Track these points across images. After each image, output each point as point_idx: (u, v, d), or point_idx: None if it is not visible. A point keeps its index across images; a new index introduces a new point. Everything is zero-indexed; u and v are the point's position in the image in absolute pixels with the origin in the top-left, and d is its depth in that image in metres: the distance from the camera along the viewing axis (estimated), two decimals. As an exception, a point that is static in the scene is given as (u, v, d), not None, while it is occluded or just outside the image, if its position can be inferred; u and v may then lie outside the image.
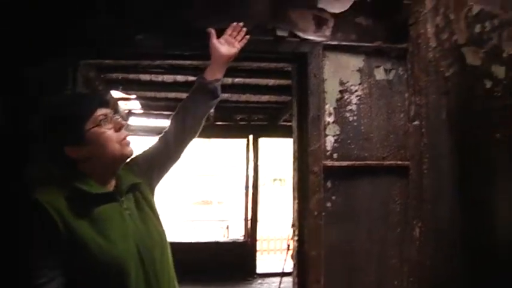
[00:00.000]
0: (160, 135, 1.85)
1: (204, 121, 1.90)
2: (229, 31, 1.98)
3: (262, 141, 7.82)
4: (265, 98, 6.36)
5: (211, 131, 7.51)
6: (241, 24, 2.01)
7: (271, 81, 5.67)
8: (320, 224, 2.67)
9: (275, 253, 11.57)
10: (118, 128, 1.54)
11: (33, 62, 2.49)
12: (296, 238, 2.81)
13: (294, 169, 2.85)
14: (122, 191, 1.57)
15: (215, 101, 1.90)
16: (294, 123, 2.89)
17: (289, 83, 5.59)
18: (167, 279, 1.57)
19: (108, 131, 1.52)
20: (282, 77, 5.30)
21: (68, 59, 2.60)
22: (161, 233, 1.63)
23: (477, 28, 2.27)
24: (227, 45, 1.94)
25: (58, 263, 1.38)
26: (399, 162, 2.81)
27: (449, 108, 2.52)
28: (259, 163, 7.74)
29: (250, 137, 7.65)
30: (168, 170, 1.86)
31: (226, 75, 5.35)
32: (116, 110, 1.73)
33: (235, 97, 6.36)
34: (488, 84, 2.18)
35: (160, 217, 1.70)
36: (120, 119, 1.57)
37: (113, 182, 1.58)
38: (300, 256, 2.77)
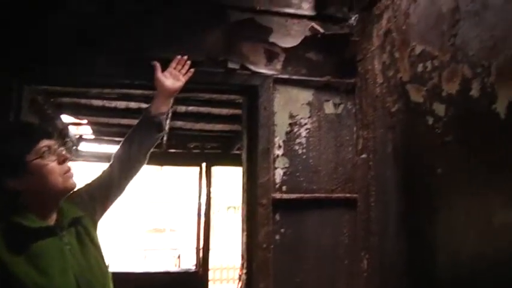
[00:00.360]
0: (104, 168, 1.82)
1: (149, 154, 1.89)
2: (173, 64, 1.99)
3: (216, 168, 7.77)
4: (219, 126, 6.35)
5: (164, 159, 7.41)
6: (185, 57, 2.02)
7: (224, 111, 5.68)
8: (269, 257, 2.66)
9: (228, 282, 11.43)
10: (62, 161, 1.50)
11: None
12: (245, 271, 2.78)
13: (243, 201, 2.84)
14: (63, 225, 1.53)
15: (160, 134, 1.90)
16: (243, 155, 2.90)
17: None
18: None
19: (51, 163, 1.48)
20: (236, 106, 5.33)
21: (12, 82, 2.52)
22: (103, 269, 1.58)
23: (419, 67, 2.36)
24: (172, 78, 1.95)
25: None
26: (347, 195, 2.85)
27: (394, 142, 2.59)
28: (212, 191, 7.68)
29: (203, 165, 7.59)
30: (112, 202, 1.83)
31: (180, 103, 5.37)
32: (62, 141, 1.67)
33: (189, 125, 6.32)
34: (430, 120, 2.27)
35: (103, 252, 1.66)
36: (64, 151, 1.53)
37: (54, 216, 1.54)
38: (249, 289, 2.74)
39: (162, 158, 7.39)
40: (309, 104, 2.86)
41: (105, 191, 1.79)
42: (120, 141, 5.97)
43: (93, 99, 5.14)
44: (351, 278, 2.85)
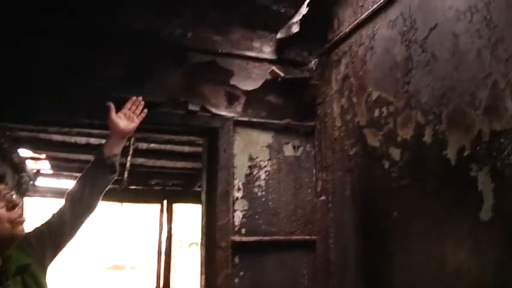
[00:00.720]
0: (53, 212, 1.77)
1: (102, 196, 1.86)
2: (128, 105, 1.99)
3: (178, 205, 7.67)
4: (180, 164, 6.31)
5: (124, 195, 7.26)
6: (140, 98, 2.02)
7: (186, 148, 5.66)
8: (228, 301, 2.62)
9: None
10: (11, 207, 1.45)
11: None
12: (203, 315, 2.72)
13: (202, 244, 2.81)
14: (9, 273, 1.47)
15: (113, 176, 1.88)
16: (203, 197, 2.88)
17: (204, 150, 5.64)
18: None
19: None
20: (198, 145, 5.32)
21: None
22: None
23: (376, 112, 2.43)
24: (126, 119, 1.95)
25: None
26: (306, 237, 2.86)
27: (352, 185, 2.63)
28: (173, 228, 7.56)
29: (165, 202, 7.49)
30: (63, 246, 1.78)
31: (141, 140, 5.30)
32: (14, 183, 1.62)
33: (150, 162, 6.26)
34: (386, 164, 2.32)
35: None
36: (14, 197, 1.48)
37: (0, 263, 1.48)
38: (208, 333, 2.68)
39: (122, 195, 7.24)
40: (268, 146, 2.88)
41: (55, 235, 1.74)
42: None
43: (52, 134, 5.04)
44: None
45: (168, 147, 5.61)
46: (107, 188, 1.89)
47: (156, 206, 7.85)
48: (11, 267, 1.50)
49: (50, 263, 1.73)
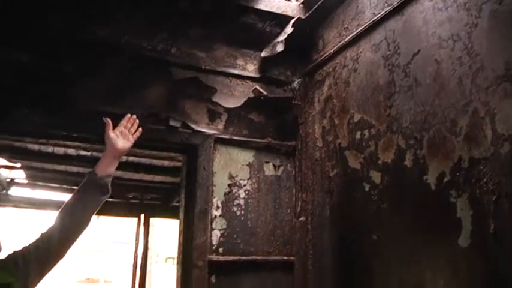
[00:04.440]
0: (42, 231, 1.71)
1: (92, 217, 1.80)
2: (124, 122, 1.94)
3: (155, 219, 7.58)
4: (159, 178, 6.25)
5: (101, 208, 7.12)
6: (135, 116, 1.97)
7: (166, 163, 5.61)
8: (203, 321, 2.57)
9: None
10: None
11: None
12: (177, 336, 2.66)
13: (178, 262, 2.75)
14: None
15: (105, 197, 1.82)
16: (181, 215, 2.83)
17: (184, 165, 5.60)
18: None
19: None
20: (177, 160, 5.28)
21: None
22: None
23: (357, 134, 2.43)
24: (122, 138, 1.90)
25: None
26: (285, 258, 2.83)
27: (332, 207, 2.62)
28: (149, 242, 7.45)
29: (142, 216, 7.40)
30: (51, 268, 1.72)
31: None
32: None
33: (128, 175, 6.18)
34: (367, 187, 2.32)
35: None
36: None
37: None
38: None
39: (100, 207, 7.12)
40: (249, 165, 2.86)
41: (42, 256, 1.68)
42: (55, 187, 5.71)
43: (28, 143, 4.96)
44: None
45: (147, 161, 5.56)
46: (98, 209, 1.83)
47: (133, 220, 7.76)
48: None
49: (36, 283, 1.67)
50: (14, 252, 1.65)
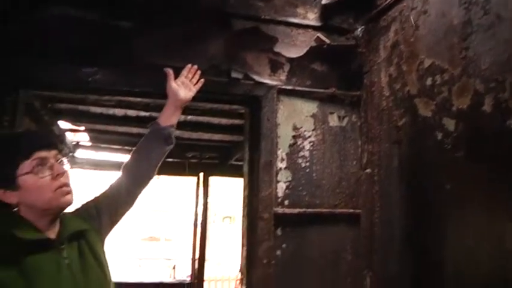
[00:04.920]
0: (111, 182, 1.75)
1: (158, 168, 1.81)
2: (185, 73, 1.92)
3: (212, 178, 7.68)
4: (217, 136, 6.28)
5: (161, 168, 7.27)
6: (196, 66, 1.94)
7: (223, 121, 5.61)
8: (269, 273, 2.57)
9: (222, 294, 11.28)
10: (56, 175, 1.41)
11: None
12: (244, 286, 2.69)
13: (244, 215, 2.75)
14: (64, 238, 1.45)
15: (169, 146, 1.83)
16: (245, 168, 2.81)
17: (242, 123, 5.58)
18: None
19: (43, 179, 1.39)
20: (236, 116, 5.27)
21: (6, 87, 2.43)
22: (104, 286, 1.50)
23: (428, 81, 2.30)
24: (184, 88, 1.87)
25: None
26: (351, 210, 2.77)
27: (401, 157, 2.52)
28: (209, 202, 7.58)
29: (201, 175, 7.51)
30: (121, 216, 1.75)
31: (178, 112, 5.23)
32: (60, 151, 1.59)
33: (187, 134, 6.25)
34: (439, 135, 2.20)
35: (109, 268, 1.58)
36: (59, 165, 1.44)
37: (56, 229, 1.46)
38: (249, 306, 2.65)
39: (160, 167, 7.28)
40: (313, 116, 2.79)
41: (112, 205, 1.71)
42: (117, 148, 5.87)
43: (91, 106, 5.07)
44: (353, 297, 2.77)
45: (205, 119, 5.58)
46: (163, 159, 1.85)
47: (192, 180, 7.90)
48: (66, 232, 1.48)
49: (107, 233, 1.71)
50: (87, 202, 1.69)
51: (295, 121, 2.75)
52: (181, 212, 17.31)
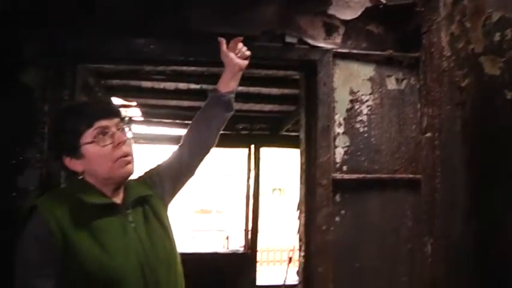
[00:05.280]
0: (173, 150, 1.78)
1: (219, 135, 1.83)
2: (231, 44, 1.85)
3: (262, 150, 7.70)
4: (268, 107, 6.27)
5: (212, 140, 7.37)
6: (240, 38, 1.88)
7: (274, 90, 5.58)
8: (328, 239, 2.55)
9: (274, 264, 11.42)
10: (117, 145, 1.43)
11: (27, 64, 2.38)
12: (303, 254, 2.68)
13: (301, 182, 2.73)
14: (129, 203, 1.50)
15: (229, 113, 1.83)
16: (301, 134, 2.78)
17: (292, 92, 5.53)
18: None
19: (104, 148, 1.43)
20: (286, 86, 5.22)
21: (66, 61, 2.48)
22: (168, 249, 1.54)
23: (497, 36, 2.17)
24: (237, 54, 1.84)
25: (51, 269, 1.32)
26: (411, 176, 2.70)
27: (464, 120, 2.41)
28: (260, 173, 7.62)
29: (252, 146, 7.53)
30: (183, 184, 1.79)
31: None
32: (123, 121, 1.62)
33: (237, 106, 6.23)
34: (509, 95, 2.08)
35: (172, 232, 1.62)
36: (121, 134, 1.46)
37: (121, 195, 1.52)
38: (307, 272, 2.64)
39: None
40: (370, 79, 2.70)
41: (174, 174, 1.75)
42: (168, 122, 5.98)
43: (142, 80, 5.15)
44: (414, 264, 2.72)
45: (256, 90, 5.56)
46: (223, 126, 1.85)
47: (243, 152, 7.95)
48: (130, 197, 1.52)
49: (169, 200, 1.74)
50: (150, 170, 1.73)
51: (352, 85, 2.67)
52: (231, 185, 17.55)
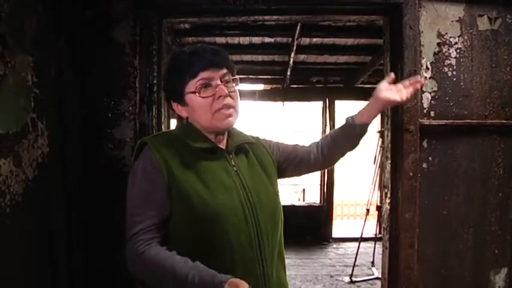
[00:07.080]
0: (301, 145, 1.81)
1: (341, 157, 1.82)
2: (406, 82, 1.71)
3: (337, 103, 7.60)
4: (343, 58, 6.15)
5: (287, 94, 7.38)
6: (421, 78, 1.81)
7: (349, 41, 5.45)
8: (415, 186, 2.51)
9: (348, 218, 11.44)
10: (218, 97, 1.45)
11: (117, 20, 2.47)
12: (388, 201, 2.67)
13: (387, 128, 2.68)
14: (231, 148, 1.55)
15: (360, 139, 1.76)
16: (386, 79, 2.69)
17: (368, 42, 5.39)
18: (272, 242, 1.51)
19: (204, 100, 1.46)
20: (361, 35, 5.10)
21: (153, 15, 2.54)
22: (271, 195, 1.57)
23: None
24: (395, 91, 1.67)
25: (156, 203, 1.41)
26: (503, 121, 2.58)
27: None
28: (335, 126, 7.57)
29: (327, 99, 7.46)
30: (283, 175, 1.78)
31: (304, 35, 5.23)
32: (231, 72, 1.59)
33: (312, 58, 6.19)
34: None
35: (277, 182, 1.67)
36: (224, 87, 1.46)
37: (224, 141, 1.57)
38: (393, 220, 2.63)
39: (285, 94, 7.38)
40: (459, 20, 2.55)
41: (286, 162, 1.76)
42: (243, 78, 6.02)
43: (217, 37, 5.21)
44: (504, 214, 2.63)
45: (330, 41, 5.46)
46: (350, 149, 1.79)
47: (317, 104, 7.90)
48: (234, 143, 1.57)
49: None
50: (271, 139, 1.81)
51: (440, 27, 2.54)
52: (307, 138, 17.56)
